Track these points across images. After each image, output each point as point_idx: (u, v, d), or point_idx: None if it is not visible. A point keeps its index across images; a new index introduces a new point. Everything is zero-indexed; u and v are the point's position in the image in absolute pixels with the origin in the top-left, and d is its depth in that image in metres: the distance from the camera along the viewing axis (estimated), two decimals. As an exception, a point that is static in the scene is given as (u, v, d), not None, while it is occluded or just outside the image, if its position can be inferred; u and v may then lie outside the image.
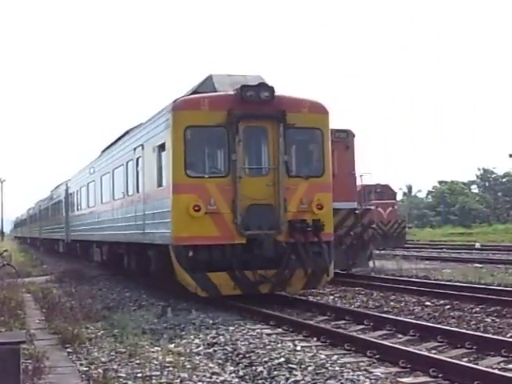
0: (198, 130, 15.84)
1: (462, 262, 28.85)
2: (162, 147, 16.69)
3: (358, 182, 24.95)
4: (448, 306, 15.35)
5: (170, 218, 15.64)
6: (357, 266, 24.02)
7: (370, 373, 9.17)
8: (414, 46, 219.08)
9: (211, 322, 13.46)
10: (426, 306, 15.67)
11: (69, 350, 10.72)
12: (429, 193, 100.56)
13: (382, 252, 33.59)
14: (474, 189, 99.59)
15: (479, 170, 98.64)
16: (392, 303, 16.31)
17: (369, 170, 29.79)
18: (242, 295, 15.60)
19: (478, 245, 42.91)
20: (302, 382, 8.62)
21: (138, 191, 19.39)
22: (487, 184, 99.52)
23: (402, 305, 15.98)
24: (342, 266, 23.73)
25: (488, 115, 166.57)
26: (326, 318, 14.46)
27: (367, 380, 8.67)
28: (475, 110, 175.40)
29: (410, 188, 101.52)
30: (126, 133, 22.46)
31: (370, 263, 24.52)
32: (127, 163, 21.01)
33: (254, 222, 15.55)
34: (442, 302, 16.02)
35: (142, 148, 18.80)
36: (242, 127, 15.60)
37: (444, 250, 38.57)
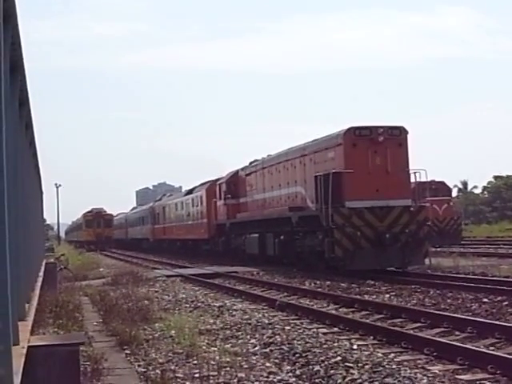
0: (88, 219, 77.31)
1: (520, 257, 28.40)
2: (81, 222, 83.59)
3: (412, 179, 24.69)
4: (506, 303, 15.11)
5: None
6: (413, 264, 23.80)
7: (428, 370, 9.11)
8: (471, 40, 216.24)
9: (267, 321, 13.45)
10: (484, 302, 15.47)
11: (127, 351, 10.79)
12: (484, 188, 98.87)
13: (438, 249, 33.22)
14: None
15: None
16: (449, 300, 16.16)
17: (423, 166, 29.32)
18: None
19: (536, 240, 42.23)
20: (359, 380, 8.57)
21: None
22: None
23: (459, 302, 15.83)
24: (397, 263, 23.59)
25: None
26: (383, 316, 14.40)
27: (425, 378, 8.60)
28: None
29: (465, 184, 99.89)
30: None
31: (426, 261, 24.25)
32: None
33: (98, 237, 73.06)
34: (499, 298, 15.79)
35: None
36: (95, 221, 76.11)
37: (501, 245, 37.89)
